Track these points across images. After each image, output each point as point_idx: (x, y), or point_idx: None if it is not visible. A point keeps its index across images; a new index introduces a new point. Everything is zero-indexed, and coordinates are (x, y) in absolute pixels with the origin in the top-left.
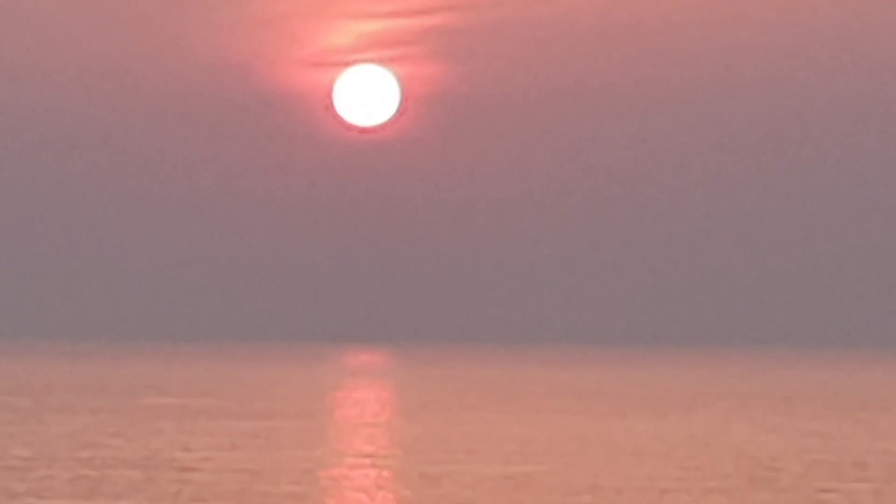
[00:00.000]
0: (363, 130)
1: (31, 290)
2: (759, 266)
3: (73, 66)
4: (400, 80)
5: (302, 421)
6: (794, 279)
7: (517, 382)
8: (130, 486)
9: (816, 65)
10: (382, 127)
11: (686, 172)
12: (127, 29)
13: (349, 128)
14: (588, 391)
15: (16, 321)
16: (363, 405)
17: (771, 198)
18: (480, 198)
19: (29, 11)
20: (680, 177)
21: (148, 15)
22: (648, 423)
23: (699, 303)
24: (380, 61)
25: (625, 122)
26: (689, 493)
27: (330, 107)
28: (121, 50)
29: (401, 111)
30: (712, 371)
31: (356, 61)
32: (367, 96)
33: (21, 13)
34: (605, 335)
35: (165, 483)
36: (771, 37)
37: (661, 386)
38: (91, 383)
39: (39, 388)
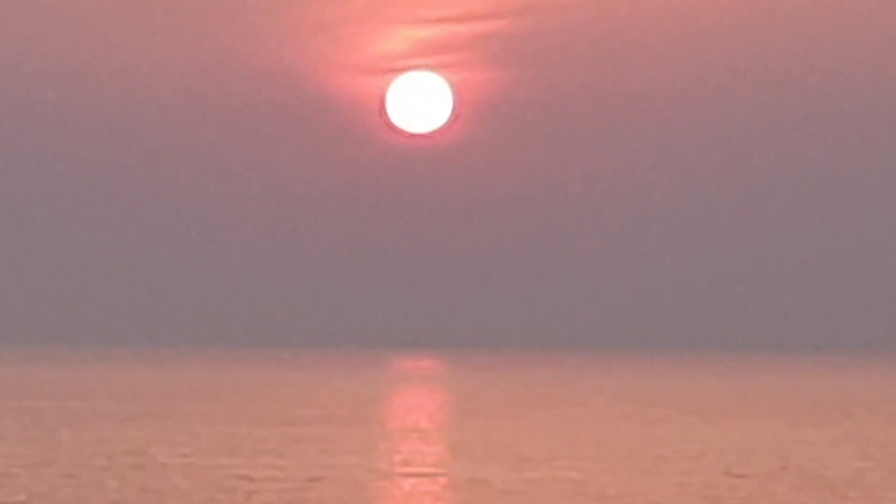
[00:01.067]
0: (416, 137)
1: (79, 294)
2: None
3: (127, 71)
4: (453, 86)
5: (353, 427)
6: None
7: (568, 387)
8: (183, 497)
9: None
10: (435, 134)
11: (748, 174)
12: (181, 36)
13: (402, 134)
14: (639, 395)
15: (60, 326)
16: (414, 411)
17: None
18: (533, 204)
19: (85, 17)
20: (743, 179)
21: (202, 22)
22: (698, 427)
23: (756, 306)
24: (432, 67)
25: (680, 124)
26: (737, 501)
27: (383, 113)
28: (175, 57)
29: (454, 118)
30: (765, 375)
31: (409, 67)
32: (419, 103)
33: (77, 19)
34: (658, 339)
35: (219, 492)
36: (829, 42)
37: (712, 390)
38: (138, 388)
39: (99, 393)
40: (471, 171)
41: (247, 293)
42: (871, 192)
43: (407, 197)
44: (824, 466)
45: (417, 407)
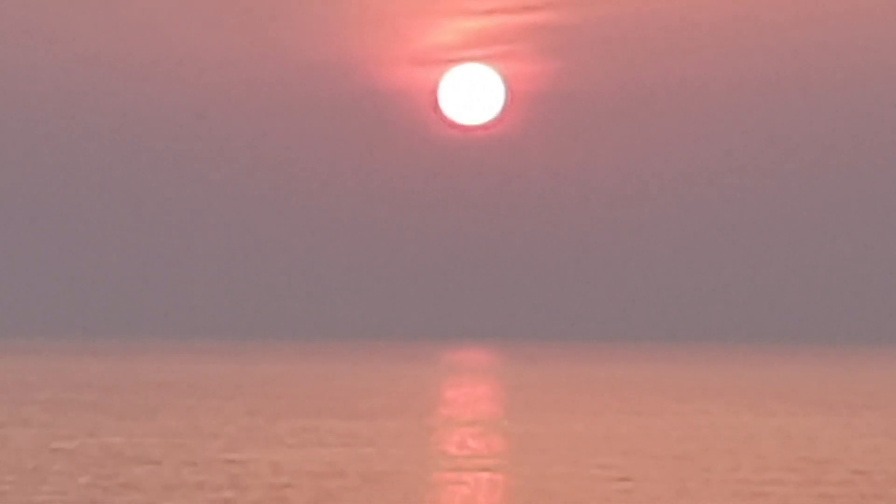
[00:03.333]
0: (468, 129)
1: (132, 286)
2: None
3: (181, 63)
4: (505, 78)
5: (405, 420)
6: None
7: (622, 380)
8: (230, 479)
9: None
10: (488, 126)
11: (796, 164)
12: (234, 28)
13: (454, 127)
14: (691, 387)
15: (102, 318)
16: (466, 403)
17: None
18: (586, 195)
19: (141, 11)
20: (790, 170)
21: (254, 15)
22: (753, 420)
23: (806, 297)
24: (484, 59)
25: (731, 115)
26: (797, 496)
27: (435, 106)
28: (228, 49)
29: (506, 110)
30: (817, 369)
31: (461, 59)
32: (472, 95)
33: (132, 13)
34: (711, 330)
35: (270, 486)
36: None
37: (756, 383)
38: (186, 380)
39: (138, 386)
40: (523, 162)
41: (301, 286)
42: None
43: (459, 189)
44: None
45: (470, 400)
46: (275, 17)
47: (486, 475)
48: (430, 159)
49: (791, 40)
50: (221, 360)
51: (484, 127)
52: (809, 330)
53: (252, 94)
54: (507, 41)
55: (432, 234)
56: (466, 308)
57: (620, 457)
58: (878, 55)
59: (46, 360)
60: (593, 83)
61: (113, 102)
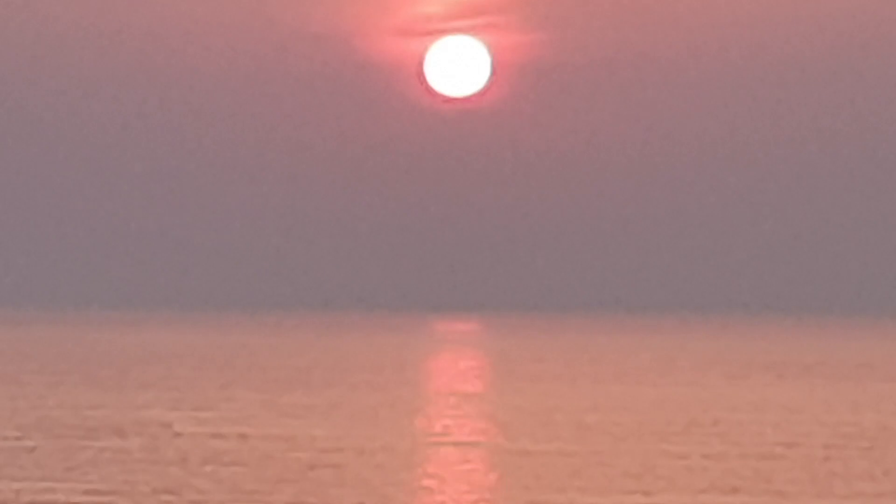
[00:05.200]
0: (454, 101)
1: (130, 257)
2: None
3: (167, 33)
4: (490, 49)
5: (392, 392)
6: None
7: (609, 350)
8: (215, 455)
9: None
10: (473, 97)
11: (788, 136)
12: (220, 1)
13: (440, 98)
14: (677, 358)
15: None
16: (454, 375)
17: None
18: (572, 166)
19: None
20: (776, 138)
21: None
22: (738, 391)
23: (806, 267)
24: (470, 30)
25: (719, 86)
26: (800, 462)
27: (421, 77)
28: (215, 21)
29: (492, 81)
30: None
31: (447, 30)
32: (457, 67)
33: None
34: (696, 300)
35: (252, 458)
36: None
37: (756, 352)
38: (172, 352)
39: (132, 357)
40: (509, 134)
41: (283, 255)
42: None
43: (445, 160)
44: None
45: (457, 371)
46: None
47: (466, 449)
48: (415, 131)
49: (781, 8)
50: (206, 330)
51: (470, 98)
52: (801, 300)
53: (238, 66)
54: (493, 12)
55: (418, 206)
56: (452, 279)
57: (605, 429)
58: (872, 21)
59: (26, 331)
60: (579, 54)
61: (100, 73)
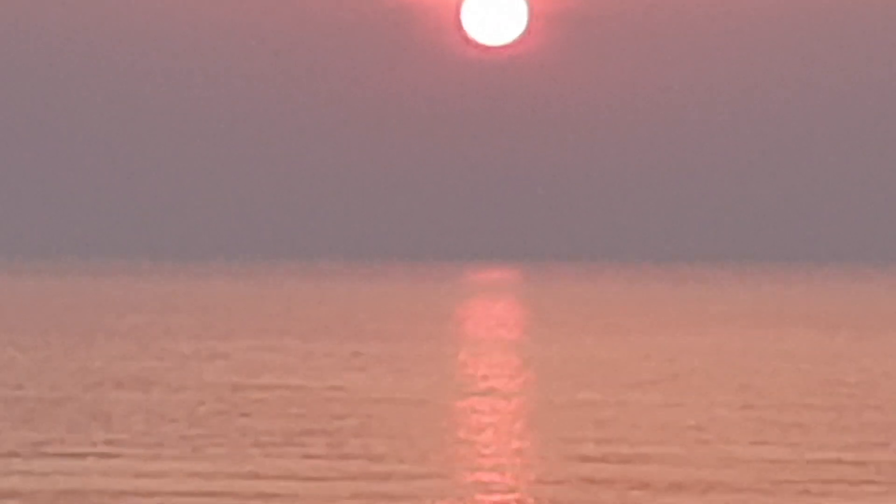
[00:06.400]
0: (491, 49)
1: (151, 209)
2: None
3: None
4: None
5: (426, 343)
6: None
7: (647, 300)
8: (246, 404)
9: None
10: (510, 45)
11: (810, 89)
12: None
13: (477, 46)
14: (713, 308)
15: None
16: (490, 325)
17: None
18: (609, 115)
19: None
20: (805, 94)
21: None
22: (773, 342)
23: (825, 217)
24: None
25: (758, 35)
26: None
27: (458, 25)
28: None
29: (528, 30)
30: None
31: None
32: (494, 15)
33: None
34: (733, 251)
35: (288, 408)
36: None
37: (790, 303)
38: (215, 303)
39: (148, 308)
40: (545, 82)
41: (319, 205)
42: None
43: (482, 108)
44: None
45: (493, 320)
46: None
47: (507, 400)
48: (453, 79)
49: None
50: (241, 280)
51: (506, 47)
52: (833, 249)
53: (274, 16)
54: None
55: (455, 155)
56: (489, 228)
57: (641, 379)
58: None
59: (32, 280)
60: (615, 4)
61: (129, 25)
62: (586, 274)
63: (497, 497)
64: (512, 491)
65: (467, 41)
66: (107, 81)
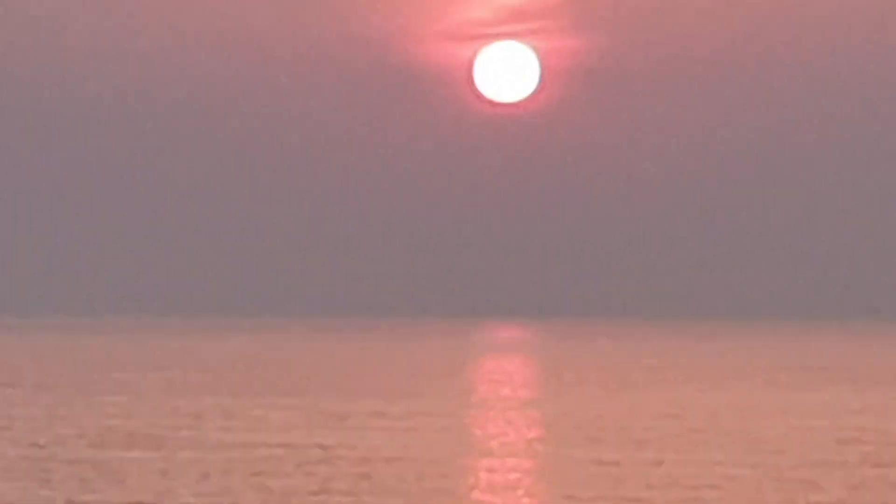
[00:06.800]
0: (503, 105)
1: (164, 266)
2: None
3: (219, 41)
4: (539, 54)
5: (437, 400)
6: None
7: (659, 357)
8: (257, 463)
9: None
10: (522, 102)
11: (826, 145)
12: (270, 4)
13: (489, 103)
14: (726, 364)
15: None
16: (501, 382)
17: None
18: (621, 171)
19: None
20: (821, 150)
21: None
22: (786, 398)
23: (839, 275)
24: (519, 34)
25: (769, 90)
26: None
27: (471, 82)
28: (264, 25)
29: (540, 86)
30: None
31: (496, 34)
32: (507, 72)
33: None
34: (744, 309)
35: (292, 470)
36: None
37: (801, 360)
38: (210, 359)
39: (182, 365)
40: (558, 138)
41: (333, 261)
42: None
43: (495, 165)
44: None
45: (505, 378)
46: None
47: (512, 460)
48: (465, 135)
49: (823, 18)
50: (251, 337)
51: (519, 104)
52: (843, 305)
53: (289, 70)
54: (542, 16)
55: (468, 211)
56: (501, 284)
57: (653, 437)
58: None
59: (43, 338)
60: (627, 59)
61: (151, 80)
62: (599, 331)
63: None
64: None
65: (480, 98)
66: (110, 138)
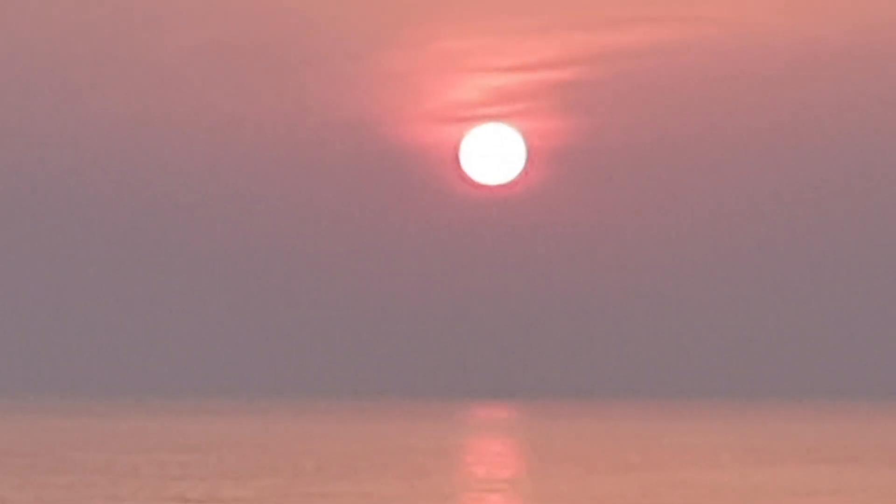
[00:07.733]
0: (489, 188)
1: (154, 344)
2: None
3: (199, 122)
4: (525, 135)
5: (425, 481)
6: None
7: (648, 438)
8: None
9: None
10: (509, 184)
11: (822, 223)
12: (252, 86)
13: (475, 185)
14: (715, 444)
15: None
16: (491, 463)
17: None
18: (610, 252)
19: (159, 69)
20: (818, 227)
21: (273, 71)
22: (780, 477)
23: (829, 352)
24: (506, 116)
25: (759, 170)
26: None
27: (457, 164)
28: (246, 106)
29: (526, 168)
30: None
31: (482, 116)
32: (493, 154)
33: (150, 74)
34: (731, 388)
35: None
36: None
37: (792, 438)
38: (213, 443)
39: (174, 446)
40: (545, 220)
41: (317, 343)
42: None
43: (481, 248)
44: None
45: (494, 459)
46: (292, 74)
47: None
48: (451, 218)
49: (817, 92)
50: (235, 419)
51: (505, 186)
52: (843, 384)
53: (272, 153)
54: (529, 98)
55: (453, 293)
56: (487, 366)
57: None
58: None
59: (39, 419)
60: (615, 140)
61: (134, 161)
62: (589, 410)
63: None
64: None
65: (465, 180)
66: (105, 217)
